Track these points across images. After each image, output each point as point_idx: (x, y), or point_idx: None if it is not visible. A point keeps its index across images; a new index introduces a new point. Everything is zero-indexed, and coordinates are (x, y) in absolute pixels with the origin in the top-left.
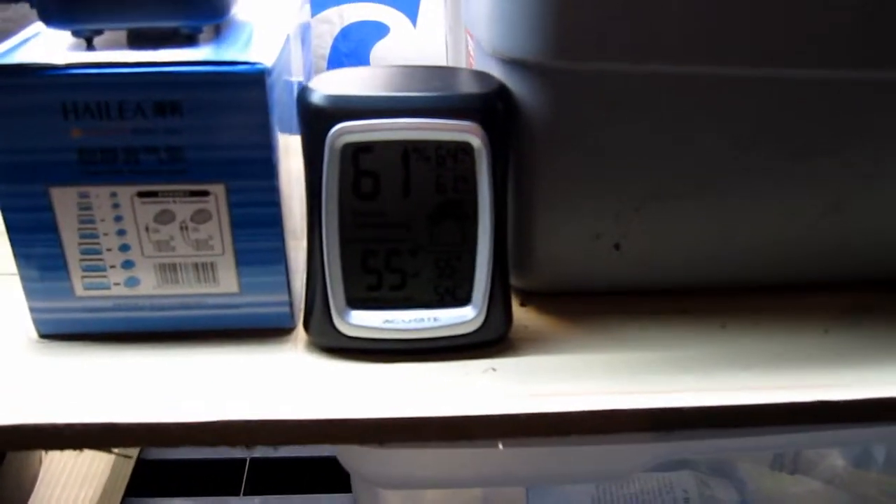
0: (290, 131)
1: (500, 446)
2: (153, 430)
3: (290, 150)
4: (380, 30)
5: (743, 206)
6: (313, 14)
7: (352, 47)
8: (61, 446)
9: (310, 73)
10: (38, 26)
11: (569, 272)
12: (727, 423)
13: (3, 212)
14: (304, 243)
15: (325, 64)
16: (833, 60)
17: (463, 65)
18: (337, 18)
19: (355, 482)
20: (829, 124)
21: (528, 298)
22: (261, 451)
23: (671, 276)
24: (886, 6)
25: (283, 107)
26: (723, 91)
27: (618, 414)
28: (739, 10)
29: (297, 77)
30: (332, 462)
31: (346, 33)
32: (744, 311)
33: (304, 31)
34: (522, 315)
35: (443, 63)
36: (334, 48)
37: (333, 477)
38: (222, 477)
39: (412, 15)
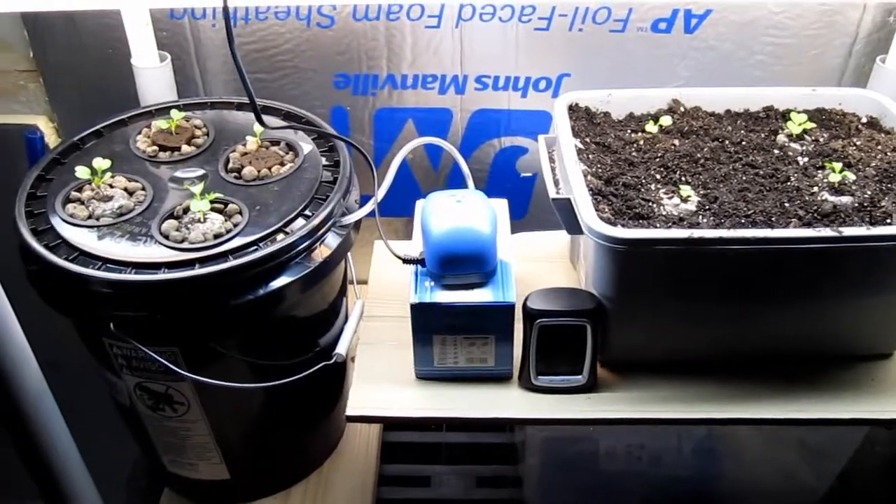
0: None
1: (591, 428)
2: (465, 422)
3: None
4: (522, 150)
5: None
6: (482, 141)
7: (505, 158)
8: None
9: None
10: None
11: (632, 356)
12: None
13: (415, 341)
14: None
15: (489, 167)
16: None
17: None
18: (497, 143)
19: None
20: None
21: (604, 363)
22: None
23: (702, 353)
24: None
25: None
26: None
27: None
28: None
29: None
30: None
31: (503, 152)
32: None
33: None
34: (602, 373)
35: None
36: (494, 159)
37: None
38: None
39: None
